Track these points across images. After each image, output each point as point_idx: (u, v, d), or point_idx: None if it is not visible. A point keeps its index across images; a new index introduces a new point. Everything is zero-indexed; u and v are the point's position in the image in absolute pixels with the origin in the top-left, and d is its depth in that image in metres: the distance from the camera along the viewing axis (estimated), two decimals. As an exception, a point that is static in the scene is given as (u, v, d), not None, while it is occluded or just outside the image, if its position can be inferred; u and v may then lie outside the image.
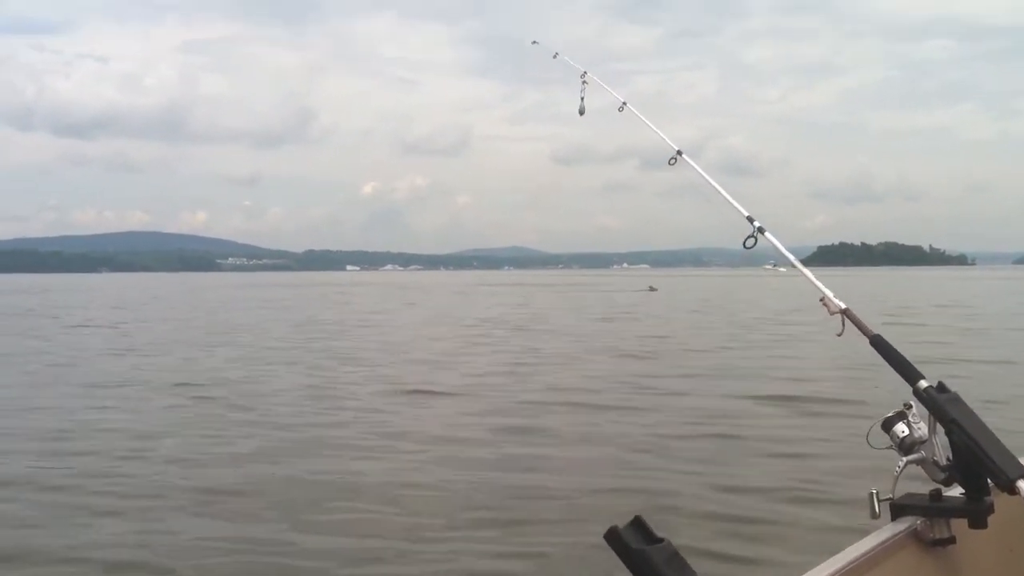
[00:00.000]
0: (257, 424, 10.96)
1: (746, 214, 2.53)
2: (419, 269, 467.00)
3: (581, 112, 3.30)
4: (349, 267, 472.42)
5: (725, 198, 2.56)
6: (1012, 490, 1.89)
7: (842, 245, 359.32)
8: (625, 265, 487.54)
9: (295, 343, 22.73)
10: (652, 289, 61.66)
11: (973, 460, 1.96)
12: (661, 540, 1.34)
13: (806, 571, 1.75)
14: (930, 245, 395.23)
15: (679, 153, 2.75)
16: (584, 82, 3.27)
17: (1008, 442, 2.00)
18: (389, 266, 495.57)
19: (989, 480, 1.96)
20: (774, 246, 2.50)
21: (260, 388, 14.20)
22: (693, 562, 1.35)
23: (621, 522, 1.36)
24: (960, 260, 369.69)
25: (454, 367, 17.09)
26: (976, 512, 2.00)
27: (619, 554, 1.34)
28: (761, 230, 2.50)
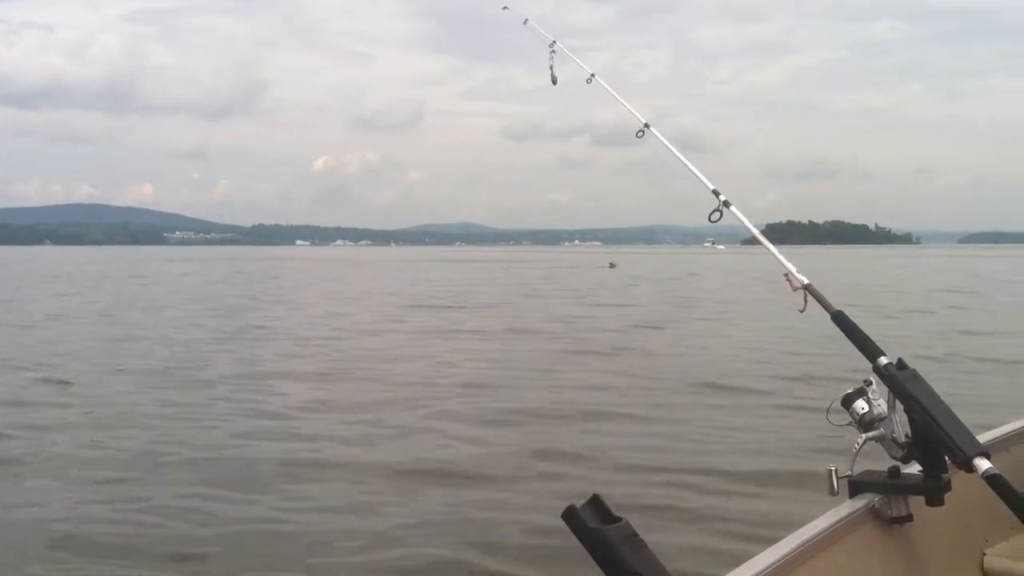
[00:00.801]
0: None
1: (711, 187, 2.53)
2: (370, 244, 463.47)
3: (553, 81, 3.28)
4: (299, 242, 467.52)
5: (691, 171, 2.57)
6: (969, 468, 1.92)
7: (789, 223, 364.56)
8: (576, 242, 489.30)
9: (174, 320, 21.83)
10: (612, 266, 61.46)
11: (931, 437, 1.98)
12: (619, 519, 1.33)
13: (765, 548, 1.79)
14: (876, 224, 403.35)
15: (646, 126, 2.75)
16: (552, 51, 3.24)
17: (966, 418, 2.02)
18: (339, 241, 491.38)
19: (947, 457, 1.98)
20: (738, 219, 2.51)
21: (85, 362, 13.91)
22: (651, 542, 1.34)
23: (578, 501, 1.35)
24: (906, 239, 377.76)
25: (330, 349, 16.03)
26: (933, 490, 2.02)
27: (576, 533, 1.33)
28: (727, 203, 2.51)
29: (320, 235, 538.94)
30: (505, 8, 3.75)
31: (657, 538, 4.88)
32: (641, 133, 2.76)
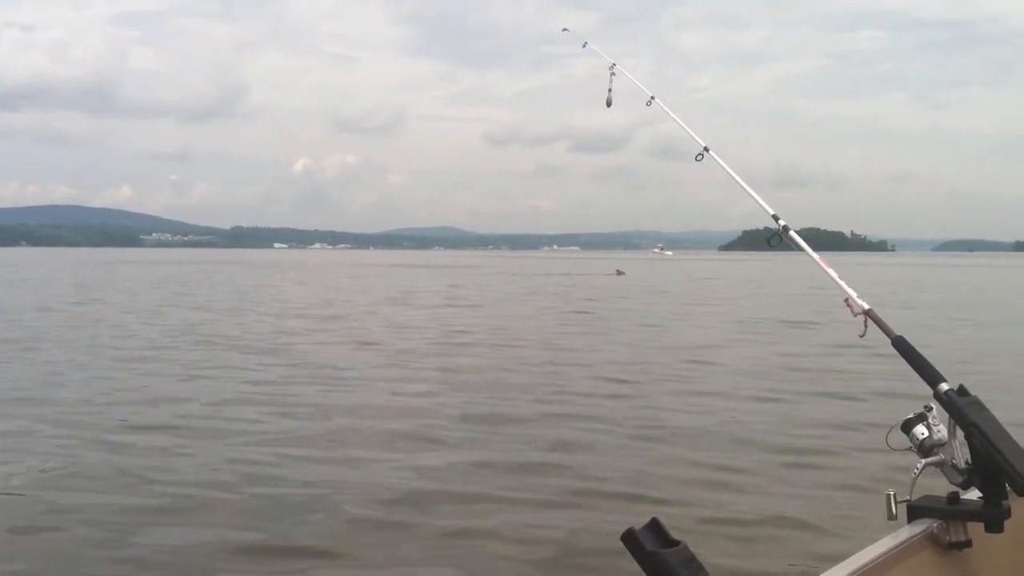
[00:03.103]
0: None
1: (771, 212, 2.55)
2: (348, 248, 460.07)
3: (608, 104, 3.28)
4: (277, 245, 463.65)
5: (752, 196, 2.59)
6: None
7: (765, 229, 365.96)
8: (555, 247, 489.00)
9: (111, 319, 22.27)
10: (620, 273, 60.17)
11: (991, 464, 1.97)
12: (678, 543, 1.34)
13: (823, 571, 1.75)
14: (852, 231, 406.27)
15: (706, 149, 2.76)
16: (612, 74, 3.25)
17: None
18: (318, 245, 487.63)
19: (1007, 484, 1.98)
20: (796, 243, 2.51)
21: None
22: (710, 566, 1.34)
23: (637, 524, 1.36)
24: (881, 246, 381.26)
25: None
26: (993, 516, 2.00)
27: (635, 556, 1.33)
28: (786, 229, 2.53)
29: (298, 238, 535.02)
30: (565, 30, 3.76)
31: (717, 561, 5.01)
32: (700, 156, 2.77)
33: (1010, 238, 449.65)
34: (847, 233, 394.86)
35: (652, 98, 3.01)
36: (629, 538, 1.34)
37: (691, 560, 1.32)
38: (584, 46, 3.47)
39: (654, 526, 1.36)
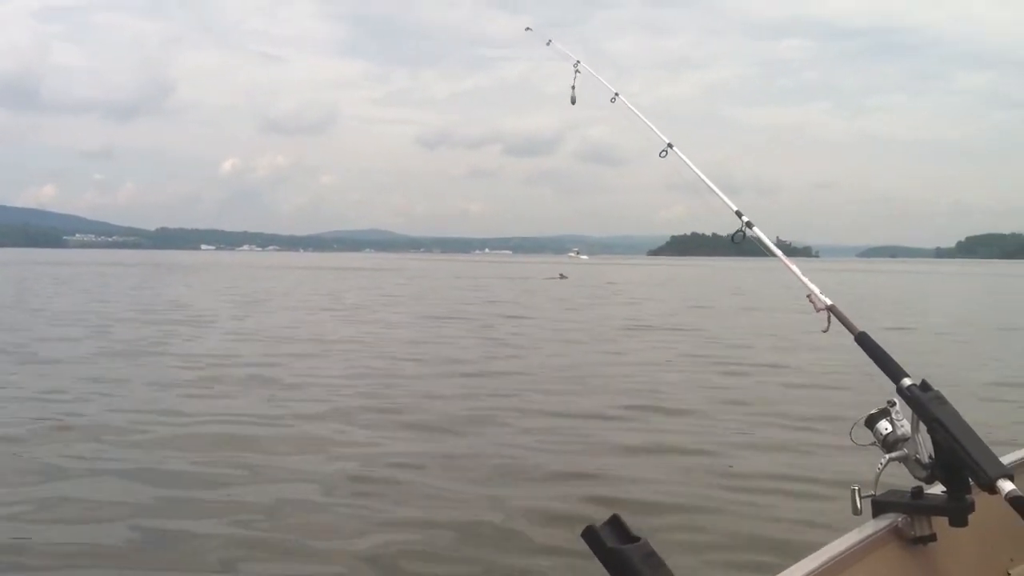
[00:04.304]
0: None
1: (735, 208, 2.57)
2: (277, 250, 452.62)
3: (573, 101, 3.27)
4: (204, 247, 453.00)
5: (715, 192, 2.60)
6: (992, 489, 1.94)
7: (694, 235, 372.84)
8: (487, 250, 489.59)
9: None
10: (563, 276, 60.22)
11: (955, 459, 2.00)
12: (638, 539, 1.35)
13: (788, 567, 1.78)
14: (777, 237, 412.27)
15: (669, 146, 2.77)
16: (577, 71, 3.23)
17: (989, 440, 2.04)
18: (246, 247, 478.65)
19: (970, 479, 2.00)
20: (760, 240, 2.54)
21: None
22: (671, 561, 1.35)
23: (598, 521, 1.37)
24: (805, 252, 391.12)
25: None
26: (957, 510, 2.03)
27: (595, 552, 1.34)
28: (749, 224, 2.55)
29: (226, 239, 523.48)
30: (528, 29, 3.74)
31: (677, 557, 4.93)
32: (664, 153, 2.77)
33: (931, 244, 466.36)
34: (773, 239, 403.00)
35: (616, 95, 3.01)
36: (590, 534, 1.35)
37: (651, 555, 1.33)
38: (548, 43, 3.46)
39: (615, 522, 1.37)
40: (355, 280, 58.31)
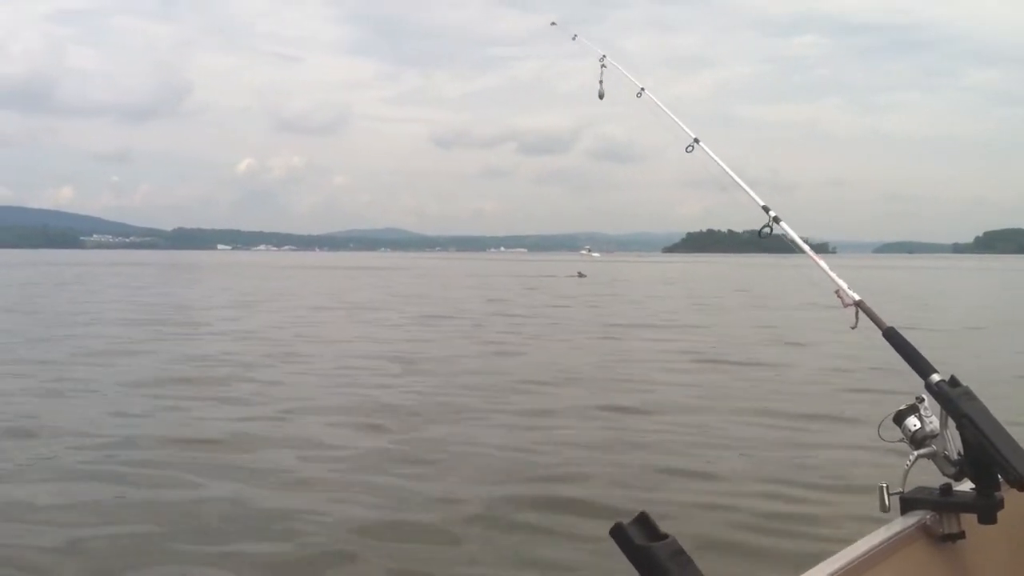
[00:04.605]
0: None
1: (761, 203, 2.54)
2: (293, 249, 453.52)
3: (601, 96, 3.26)
4: (220, 246, 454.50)
5: (742, 187, 2.58)
6: (1022, 486, 1.92)
7: (710, 232, 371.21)
8: (502, 249, 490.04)
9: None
10: (581, 275, 59.77)
11: (984, 455, 1.98)
12: (666, 537, 1.34)
13: (816, 564, 1.75)
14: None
15: (696, 141, 2.75)
16: (603, 66, 3.22)
17: (1020, 436, 2.02)
18: (262, 246, 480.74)
19: (999, 475, 1.98)
20: (787, 235, 2.52)
21: None
22: (698, 558, 1.34)
23: (626, 518, 1.35)
24: (822, 248, 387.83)
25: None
26: (986, 507, 2.01)
27: (623, 550, 1.33)
28: (777, 220, 2.52)
29: (242, 239, 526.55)
30: (553, 24, 3.73)
31: (706, 555, 4.88)
32: (691, 148, 2.77)
33: (948, 240, 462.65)
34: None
35: (642, 89, 2.99)
36: (618, 531, 1.34)
37: (679, 553, 1.32)
38: (574, 38, 3.45)
39: (643, 520, 1.36)
40: (395, 277, 58.25)
